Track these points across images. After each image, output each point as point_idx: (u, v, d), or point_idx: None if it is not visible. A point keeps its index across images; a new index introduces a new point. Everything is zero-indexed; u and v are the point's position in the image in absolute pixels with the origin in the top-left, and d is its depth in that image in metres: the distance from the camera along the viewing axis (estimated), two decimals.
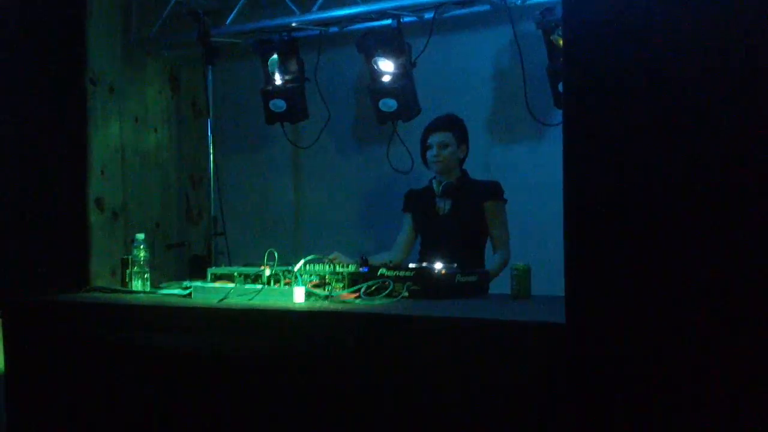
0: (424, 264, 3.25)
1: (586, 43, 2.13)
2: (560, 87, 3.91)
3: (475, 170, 4.05)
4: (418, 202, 4.02)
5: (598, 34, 2.10)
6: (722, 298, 1.95)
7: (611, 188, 2.09)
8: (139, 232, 3.75)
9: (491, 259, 3.86)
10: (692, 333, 1.99)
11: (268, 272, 3.13)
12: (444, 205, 3.91)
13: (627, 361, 2.05)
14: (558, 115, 3.95)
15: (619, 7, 2.07)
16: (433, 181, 3.95)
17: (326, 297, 3.03)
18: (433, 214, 3.93)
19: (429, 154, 3.90)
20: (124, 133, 5.02)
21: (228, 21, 4.82)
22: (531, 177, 4.41)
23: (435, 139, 3.88)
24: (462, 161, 3.95)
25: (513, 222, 3.99)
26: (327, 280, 3.14)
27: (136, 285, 3.60)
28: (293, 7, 4.65)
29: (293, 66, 4.76)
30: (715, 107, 1.97)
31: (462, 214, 3.86)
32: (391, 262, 3.27)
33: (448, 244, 3.77)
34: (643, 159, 2.05)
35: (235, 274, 3.24)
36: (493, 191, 3.88)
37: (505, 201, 3.89)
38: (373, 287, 3.03)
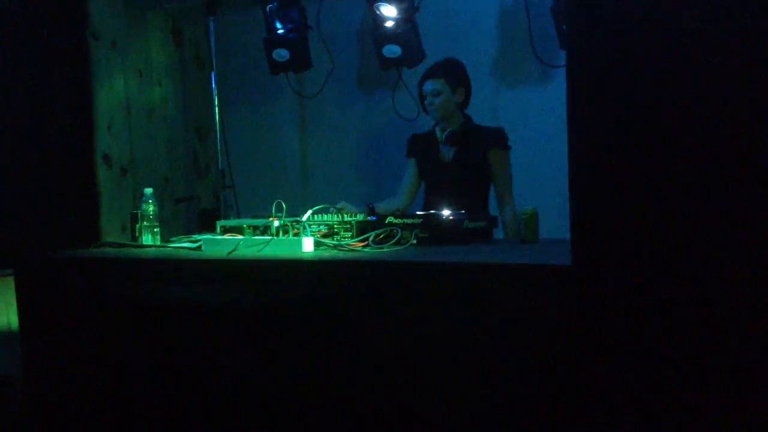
0: (432, 211, 3.25)
1: None
2: (565, 27, 3.86)
3: (481, 114, 4.03)
4: (422, 147, 3.99)
5: None
6: (727, 241, 1.95)
7: (616, 130, 2.07)
8: (148, 186, 3.76)
9: (503, 214, 3.84)
10: (695, 276, 1.99)
11: (276, 223, 3.14)
12: (448, 153, 3.89)
13: (632, 302, 2.06)
14: (563, 57, 3.91)
15: None
16: (437, 127, 3.92)
17: (335, 246, 3.05)
18: (437, 161, 3.91)
19: (425, 102, 3.87)
20: (128, 87, 5.00)
21: None
22: (538, 120, 4.39)
23: (428, 87, 3.84)
24: (462, 105, 3.90)
25: (521, 165, 3.97)
26: (335, 230, 3.15)
27: (147, 239, 3.62)
28: None
29: (295, 14, 4.71)
30: (727, 49, 1.94)
31: (466, 162, 3.84)
32: (398, 210, 3.28)
33: (453, 192, 3.76)
34: (649, 100, 2.03)
35: (244, 226, 3.25)
36: (498, 139, 3.84)
37: (510, 148, 3.86)
38: (382, 235, 3.04)
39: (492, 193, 3.90)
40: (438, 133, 3.88)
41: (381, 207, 3.42)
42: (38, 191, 4.44)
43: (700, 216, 1.99)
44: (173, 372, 3.04)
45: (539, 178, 4.27)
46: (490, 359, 2.37)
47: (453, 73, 3.86)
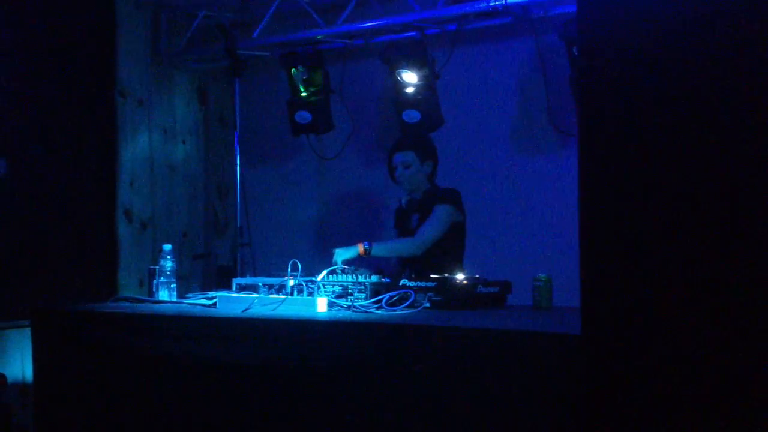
0: (446, 275, 3.27)
1: (601, 46, 2.13)
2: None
3: (497, 181, 4.07)
4: (399, 219, 4.06)
5: (613, 37, 2.11)
6: (737, 310, 1.95)
7: (627, 197, 2.09)
8: (167, 242, 3.81)
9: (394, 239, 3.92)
10: (706, 345, 1.99)
11: (291, 282, 3.16)
12: (414, 220, 3.94)
13: (641, 372, 2.05)
14: None
15: (634, 11, 2.07)
16: (402, 198, 3.98)
17: (349, 307, 3.06)
18: (408, 229, 3.96)
19: (395, 173, 3.93)
20: (152, 144, 5.10)
21: (255, 34, 4.89)
22: (554, 187, 4.41)
23: (398, 159, 3.91)
24: (430, 176, 3.96)
25: (537, 232, 3.98)
26: (349, 291, 3.17)
27: (163, 295, 3.64)
28: (319, 20, 4.71)
29: (318, 78, 4.81)
30: (738, 113, 1.97)
31: None
32: (413, 275, 3.29)
33: (422, 257, 3.78)
34: (660, 169, 2.05)
35: (260, 284, 3.28)
36: (444, 196, 3.85)
37: (454, 205, 3.84)
38: (395, 298, 3.06)
39: (466, 253, 3.89)
40: (404, 202, 3.94)
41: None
42: (58, 243, 4.50)
43: (713, 284, 1.99)
44: (184, 429, 3.04)
45: (556, 245, 4.27)
46: (499, 425, 2.36)
47: (422, 146, 3.94)
